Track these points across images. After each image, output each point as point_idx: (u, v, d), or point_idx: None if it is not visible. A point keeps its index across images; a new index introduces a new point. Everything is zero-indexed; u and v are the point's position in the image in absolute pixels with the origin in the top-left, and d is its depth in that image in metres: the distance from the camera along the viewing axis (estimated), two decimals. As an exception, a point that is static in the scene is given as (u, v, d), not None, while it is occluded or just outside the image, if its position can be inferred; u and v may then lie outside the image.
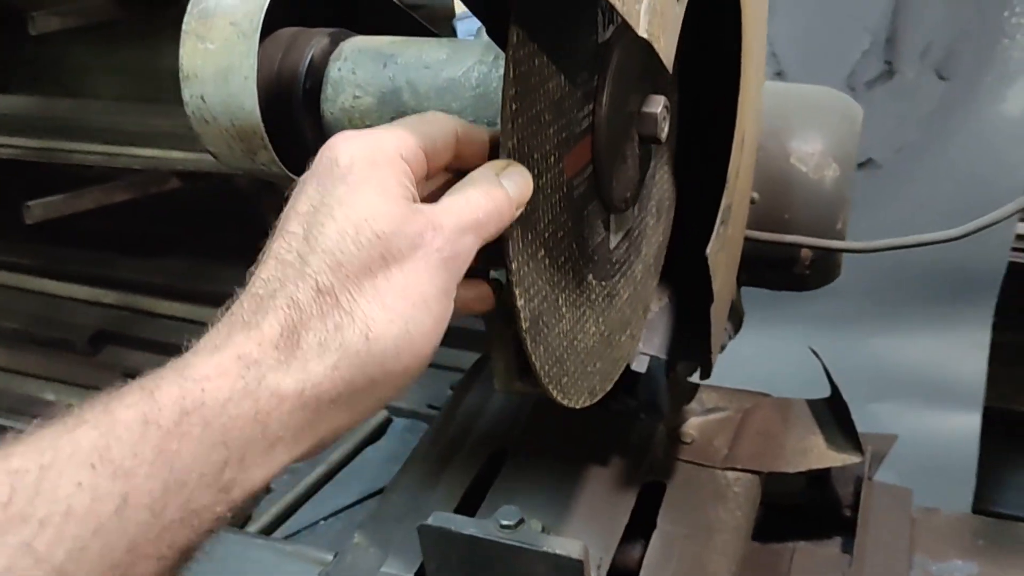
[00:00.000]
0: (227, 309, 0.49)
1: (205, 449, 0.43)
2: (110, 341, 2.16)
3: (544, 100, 0.54)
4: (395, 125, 0.54)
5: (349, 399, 0.48)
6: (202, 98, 0.75)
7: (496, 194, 0.52)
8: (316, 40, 0.76)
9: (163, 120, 2.18)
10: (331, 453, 1.22)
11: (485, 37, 0.74)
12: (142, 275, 2.34)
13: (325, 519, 1.15)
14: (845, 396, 0.97)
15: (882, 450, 1.04)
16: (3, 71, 2.50)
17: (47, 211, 2.15)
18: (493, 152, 0.57)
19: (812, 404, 1.01)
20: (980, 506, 1.56)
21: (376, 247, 0.48)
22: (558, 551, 0.72)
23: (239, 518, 1.15)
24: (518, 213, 0.53)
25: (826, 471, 0.98)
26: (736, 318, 0.95)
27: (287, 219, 0.51)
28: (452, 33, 0.97)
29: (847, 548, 0.95)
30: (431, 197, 0.54)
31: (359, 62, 0.74)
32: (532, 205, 0.55)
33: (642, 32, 0.51)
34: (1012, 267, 1.58)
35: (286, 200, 0.52)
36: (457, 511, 0.89)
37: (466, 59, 0.70)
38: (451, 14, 1.00)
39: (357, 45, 0.75)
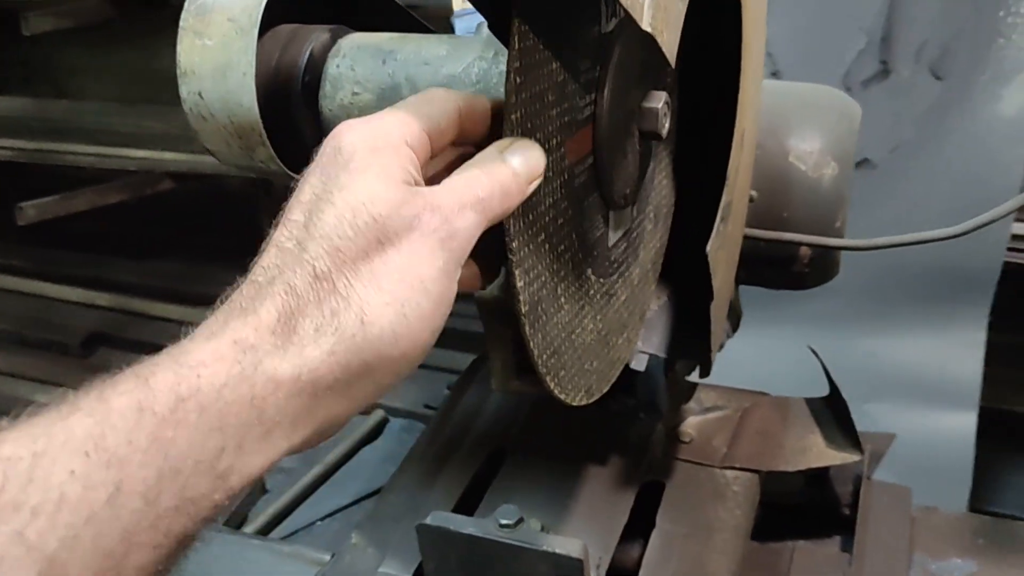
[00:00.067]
0: (227, 298, 0.48)
1: (201, 436, 0.43)
2: (103, 343, 2.15)
3: (547, 80, 0.54)
4: (397, 109, 0.54)
5: (346, 385, 0.47)
6: (200, 95, 0.74)
7: (499, 171, 0.51)
8: (315, 36, 0.76)
9: (157, 121, 2.18)
10: (328, 453, 1.22)
11: (484, 33, 0.74)
12: (136, 277, 2.34)
13: (322, 520, 1.15)
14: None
15: (880, 449, 1.04)
16: (-4, 72, 2.50)
17: (40, 212, 2.15)
18: (496, 123, 0.56)
19: (811, 403, 1.01)
20: (976, 506, 1.56)
21: (372, 230, 0.48)
22: (558, 550, 0.72)
23: (236, 518, 1.15)
24: (530, 189, 0.53)
25: (825, 470, 0.98)
26: (734, 317, 0.95)
27: (290, 208, 0.50)
28: (450, 30, 0.97)
29: (846, 547, 0.95)
30: (438, 175, 0.53)
31: (358, 58, 0.74)
32: None
33: (645, 25, 0.50)
34: (1008, 267, 1.58)
35: (292, 191, 0.51)
36: (455, 511, 0.89)
37: (466, 55, 0.70)
38: (448, 14, 0.99)
39: (356, 41, 0.75)
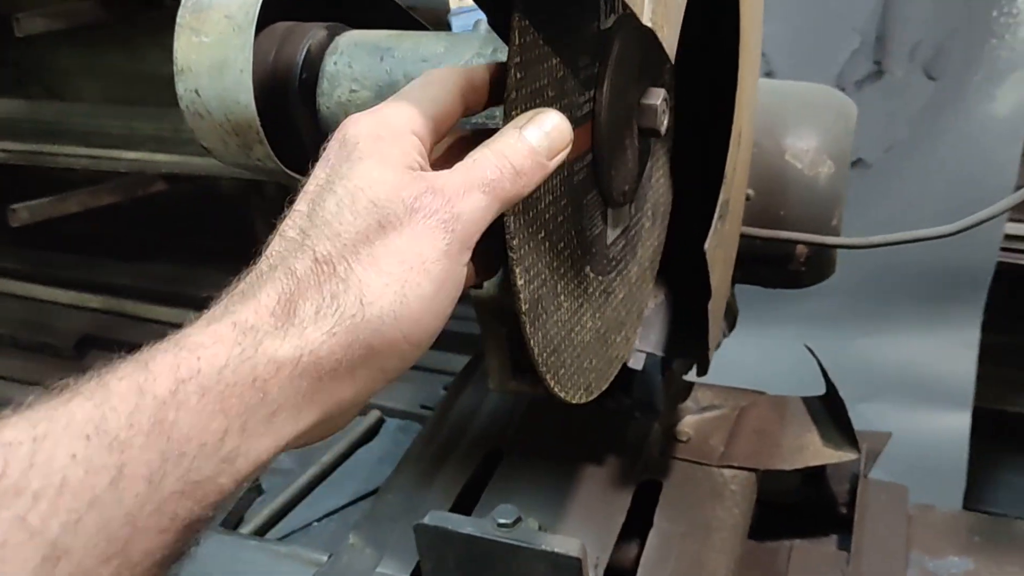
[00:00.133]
0: (230, 288, 0.48)
1: (204, 418, 0.42)
2: (95, 346, 2.15)
3: (547, 75, 0.54)
4: (400, 97, 0.53)
5: (349, 369, 0.47)
6: (196, 92, 0.74)
7: (512, 149, 0.51)
8: (312, 33, 0.75)
9: (148, 123, 2.18)
10: (324, 453, 1.22)
11: (482, 30, 0.74)
12: (128, 279, 2.33)
13: (318, 520, 1.14)
14: (837, 395, 0.97)
15: (877, 447, 1.04)
16: (-12, 73, 2.49)
17: (32, 214, 2.14)
18: (495, 90, 0.56)
19: (807, 401, 1.01)
20: (970, 506, 1.57)
21: (373, 214, 0.48)
22: (556, 549, 0.72)
23: (232, 519, 1.14)
24: (554, 163, 0.52)
25: (821, 469, 0.98)
26: (731, 316, 0.95)
27: (297, 200, 0.51)
28: (447, 29, 0.96)
29: (843, 545, 0.95)
30: (448, 154, 0.54)
31: (355, 56, 0.73)
32: None
33: (646, 20, 0.50)
34: (1001, 267, 1.58)
35: (301, 187, 0.52)
36: (452, 511, 0.89)
37: (464, 52, 0.70)
38: (443, 14, 0.99)
39: (353, 39, 0.75)
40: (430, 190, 0.48)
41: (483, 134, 0.53)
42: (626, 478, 0.92)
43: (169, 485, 0.41)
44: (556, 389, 0.62)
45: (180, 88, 0.75)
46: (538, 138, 0.51)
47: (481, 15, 0.74)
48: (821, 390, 1.00)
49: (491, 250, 0.54)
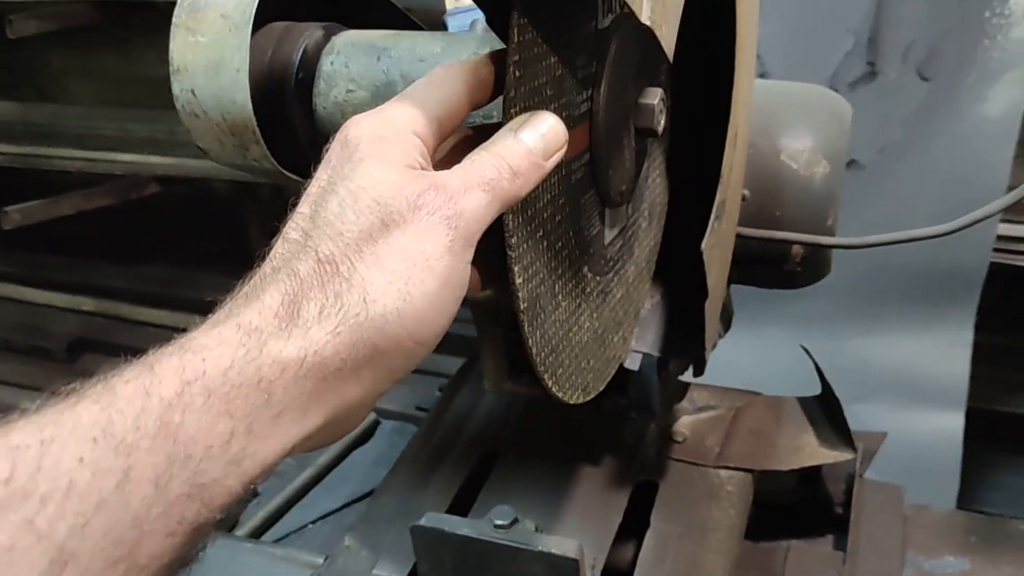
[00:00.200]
0: (234, 292, 0.48)
1: (209, 419, 0.42)
2: (89, 349, 2.14)
3: (545, 74, 0.54)
4: (404, 97, 0.53)
5: (354, 368, 0.47)
6: (192, 92, 0.74)
7: (509, 150, 0.51)
8: (308, 33, 0.75)
9: (142, 125, 2.16)
10: (319, 456, 1.21)
11: (479, 30, 0.74)
12: (121, 282, 2.32)
13: (313, 522, 1.14)
14: (831, 395, 0.97)
15: (872, 447, 1.04)
16: (-20, 76, 2.48)
17: (25, 217, 2.13)
18: (501, 81, 0.55)
19: (803, 402, 1.01)
20: (964, 506, 1.57)
21: (375, 213, 0.47)
22: (554, 550, 0.72)
23: (227, 521, 1.14)
24: (550, 164, 0.52)
25: (817, 469, 0.98)
26: (726, 317, 0.95)
27: (299, 202, 0.51)
28: (443, 29, 0.96)
29: (839, 546, 0.95)
30: (452, 153, 0.54)
31: (352, 55, 0.73)
32: None
33: (644, 19, 0.50)
34: (994, 267, 1.59)
35: (304, 188, 0.52)
36: (448, 512, 0.89)
37: (461, 52, 0.70)
38: (438, 16, 0.99)
39: (350, 39, 0.75)
40: (432, 187, 0.48)
41: (486, 131, 0.53)
42: (622, 479, 0.92)
43: (176, 488, 0.41)
44: (554, 389, 0.62)
45: (176, 88, 0.75)
46: (534, 139, 0.51)
47: (477, 15, 0.74)
48: (816, 390, 1.00)
49: (491, 249, 0.54)
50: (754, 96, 0.86)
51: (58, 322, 2.21)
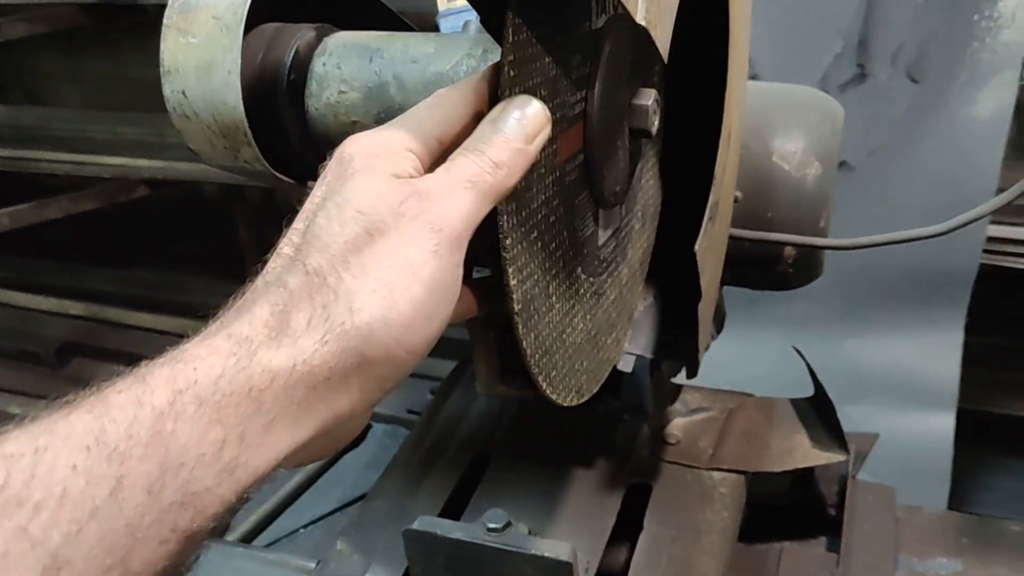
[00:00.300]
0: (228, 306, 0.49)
1: (201, 428, 0.43)
2: (77, 353, 2.13)
3: (540, 74, 0.54)
4: (405, 116, 0.54)
5: (343, 377, 0.47)
6: (183, 93, 0.74)
7: (488, 144, 0.51)
8: (300, 34, 0.75)
9: (131, 128, 2.16)
10: (310, 459, 1.21)
11: (472, 31, 0.74)
12: (110, 285, 2.32)
13: (305, 527, 1.13)
14: (824, 396, 0.97)
15: (864, 449, 1.04)
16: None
17: (13, 221, 2.12)
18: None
19: (796, 403, 1.01)
20: (954, 507, 1.57)
21: (359, 223, 0.48)
22: (547, 554, 0.72)
23: (218, 527, 1.13)
24: (534, 148, 0.52)
25: (810, 471, 0.98)
26: (719, 318, 0.95)
27: (296, 219, 0.51)
28: (435, 30, 0.96)
29: (832, 547, 0.95)
30: None
31: (344, 57, 0.73)
32: (526, 183, 0.54)
33: (639, 19, 0.50)
34: (983, 269, 1.59)
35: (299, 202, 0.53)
36: (441, 516, 0.88)
37: (454, 53, 0.70)
38: (432, 17, 0.99)
39: (342, 40, 0.75)
40: (415, 194, 0.49)
41: None
42: (615, 481, 0.92)
43: (169, 495, 0.42)
44: (548, 391, 0.62)
45: (167, 90, 0.74)
46: (511, 127, 0.51)
47: (470, 16, 0.74)
48: (809, 392, 1.00)
49: (481, 247, 0.54)
50: (746, 97, 0.86)
51: (47, 326, 2.21)
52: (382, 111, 0.72)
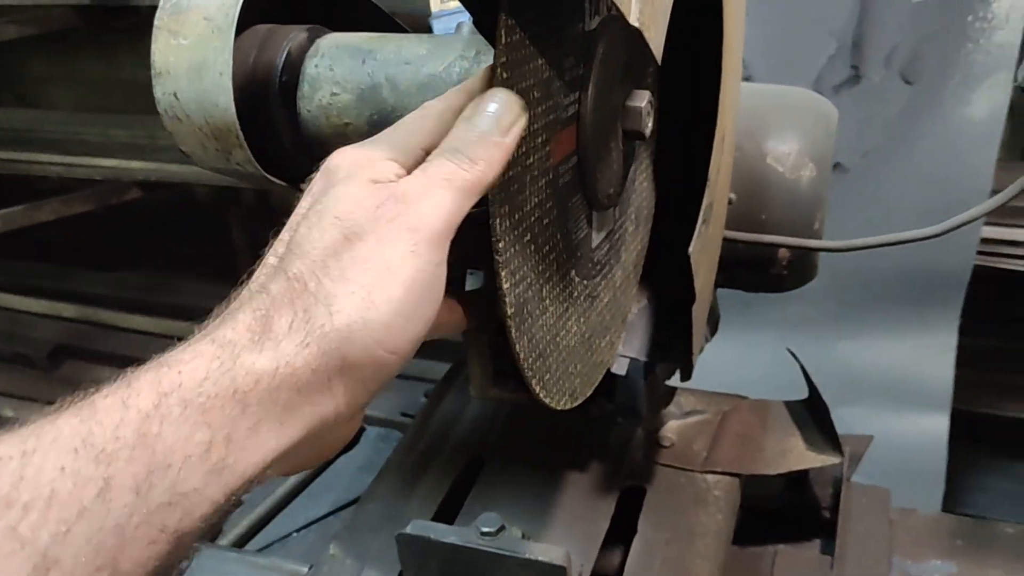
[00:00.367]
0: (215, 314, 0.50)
1: (187, 430, 0.43)
2: (70, 355, 2.13)
3: (533, 76, 0.53)
4: (392, 129, 0.55)
5: (327, 379, 0.48)
6: (175, 95, 0.73)
7: (462, 139, 0.51)
8: (292, 36, 0.75)
9: (123, 130, 2.16)
10: (303, 463, 1.20)
11: (465, 33, 0.74)
12: (102, 288, 2.31)
13: (298, 531, 1.12)
14: (817, 398, 0.97)
15: (859, 451, 1.04)
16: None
17: (5, 223, 2.12)
18: None
19: (790, 406, 1.01)
20: (949, 509, 1.58)
21: (338, 228, 0.49)
22: (541, 558, 0.71)
23: (210, 530, 1.12)
24: (510, 139, 0.51)
25: (804, 473, 0.98)
26: (713, 320, 0.94)
27: (283, 230, 0.53)
28: (428, 32, 0.96)
29: (826, 550, 0.95)
30: None
31: (337, 58, 0.73)
32: (519, 185, 0.54)
33: (633, 20, 0.50)
34: (978, 270, 1.60)
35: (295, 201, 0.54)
36: (434, 520, 0.88)
37: (447, 55, 0.69)
38: (424, 19, 0.99)
39: (334, 41, 0.74)
40: (391, 197, 0.49)
41: None
42: (609, 484, 0.91)
43: (157, 496, 0.42)
44: (541, 394, 0.61)
45: (158, 91, 0.74)
46: (485, 120, 0.51)
47: (463, 17, 0.74)
48: (803, 394, 1.00)
49: (474, 250, 0.54)
50: (740, 99, 0.86)
51: (39, 329, 2.20)
52: (375, 113, 0.72)
